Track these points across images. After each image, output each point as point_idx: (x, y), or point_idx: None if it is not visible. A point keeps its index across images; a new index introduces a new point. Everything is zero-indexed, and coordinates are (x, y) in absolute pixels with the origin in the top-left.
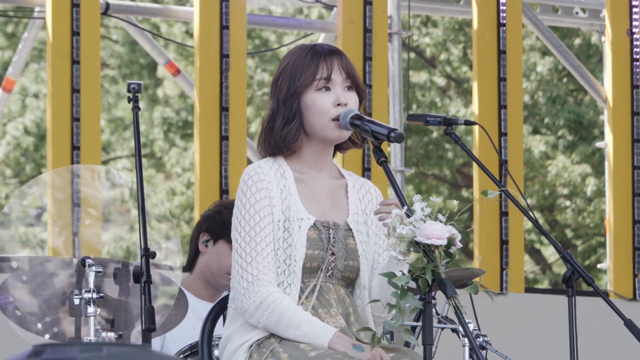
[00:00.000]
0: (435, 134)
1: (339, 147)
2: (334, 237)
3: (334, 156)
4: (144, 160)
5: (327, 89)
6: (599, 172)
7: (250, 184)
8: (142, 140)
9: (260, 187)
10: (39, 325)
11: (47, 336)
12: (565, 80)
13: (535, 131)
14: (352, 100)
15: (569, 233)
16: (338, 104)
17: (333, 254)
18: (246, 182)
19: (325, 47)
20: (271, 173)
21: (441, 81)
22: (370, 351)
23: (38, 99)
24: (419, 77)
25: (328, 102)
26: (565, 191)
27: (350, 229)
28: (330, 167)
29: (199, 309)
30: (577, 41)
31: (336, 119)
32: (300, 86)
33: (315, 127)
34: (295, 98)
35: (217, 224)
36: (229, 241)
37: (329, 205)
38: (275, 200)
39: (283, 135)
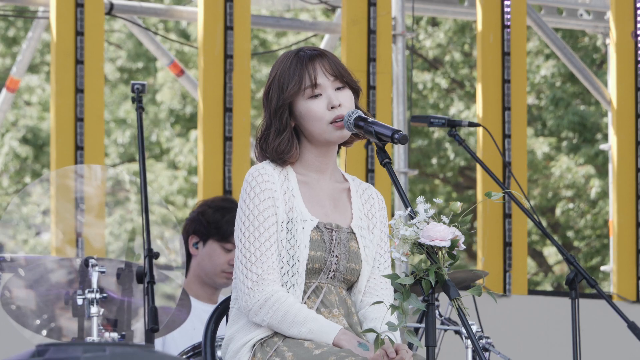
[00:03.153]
0: (436, 135)
1: (344, 142)
2: (336, 239)
3: (338, 151)
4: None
5: (318, 95)
6: (602, 174)
7: (254, 184)
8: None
9: (264, 187)
10: (37, 322)
11: (44, 332)
12: (568, 82)
13: (538, 133)
14: (345, 100)
15: (571, 235)
16: (332, 107)
17: (335, 256)
18: (250, 182)
19: (308, 52)
20: (275, 174)
21: (444, 83)
22: (374, 352)
23: (34, 106)
24: (422, 78)
25: (321, 108)
26: (569, 193)
27: (354, 233)
28: (333, 170)
29: (198, 310)
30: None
31: (333, 122)
32: (288, 97)
33: (314, 134)
34: (285, 109)
35: (202, 225)
36: (218, 240)
37: (332, 208)
38: (279, 202)
39: (275, 146)
